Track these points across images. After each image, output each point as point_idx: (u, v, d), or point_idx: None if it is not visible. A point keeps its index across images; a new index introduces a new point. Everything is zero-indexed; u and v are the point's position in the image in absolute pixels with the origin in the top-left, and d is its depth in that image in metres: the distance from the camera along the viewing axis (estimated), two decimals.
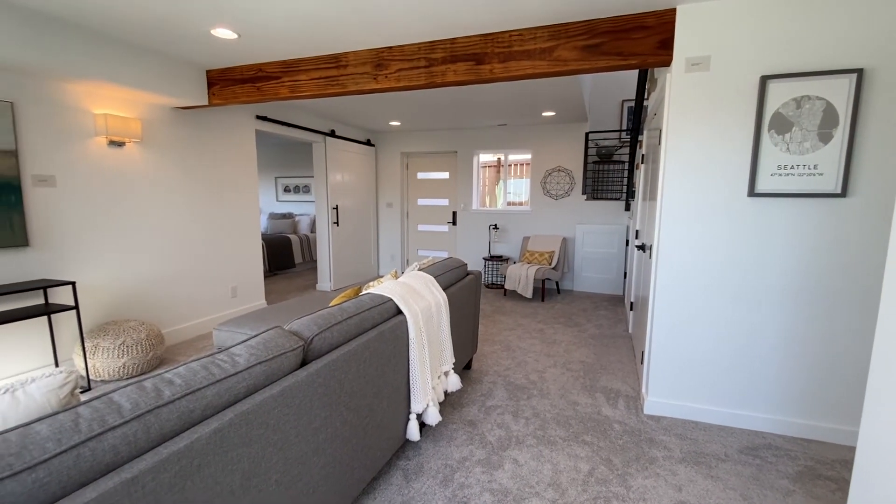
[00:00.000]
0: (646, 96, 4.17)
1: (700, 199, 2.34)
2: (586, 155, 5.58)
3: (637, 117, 4.34)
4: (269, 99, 3.35)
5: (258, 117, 4.53)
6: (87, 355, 2.89)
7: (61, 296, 2.96)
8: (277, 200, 8.76)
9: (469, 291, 2.88)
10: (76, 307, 2.75)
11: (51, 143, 2.88)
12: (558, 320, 4.49)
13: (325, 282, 5.87)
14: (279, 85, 3.27)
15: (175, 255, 3.77)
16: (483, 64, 2.69)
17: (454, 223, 6.61)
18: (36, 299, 2.83)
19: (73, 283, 2.74)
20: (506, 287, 5.40)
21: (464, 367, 3.18)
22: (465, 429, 2.37)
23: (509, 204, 6.60)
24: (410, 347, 1.99)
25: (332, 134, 5.68)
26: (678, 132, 2.34)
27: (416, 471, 2.01)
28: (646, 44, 2.37)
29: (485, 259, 6.05)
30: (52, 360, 2.95)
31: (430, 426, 2.36)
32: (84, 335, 2.90)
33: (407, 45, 2.86)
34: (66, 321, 3.02)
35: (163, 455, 0.92)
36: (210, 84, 3.52)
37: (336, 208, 5.81)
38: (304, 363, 1.44)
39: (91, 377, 2.93)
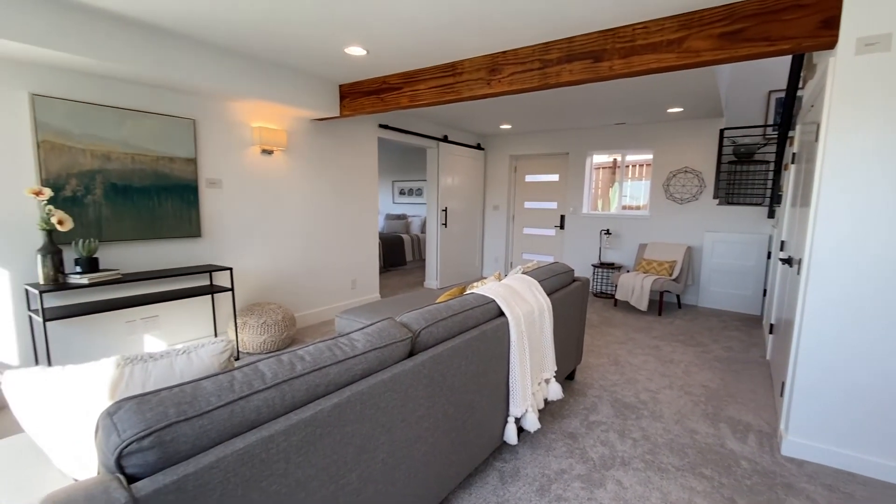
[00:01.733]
0: (800, 85, 3.58)
1: (868, 206, 1.93)
2: (720, 154, 4.97)
3: (788, 110, 3.74)
4: (391, 108, 3.62)
5: (380, 126, 4.92)
6: (238, 330, 3.44)
7: (221, 279, 3.57)
8: (393, 202, 9.41)
9: (575, 299, 2.77)
10: (232, 289, 3.30)
11: (219, 152, 3.50)
12: (677, 338, 4.08)
13: (431, 280, 6.14)
14: (400, 95, 3.51)
15: (307, 249, 4.29)
16: (601, 61, 2.57)
17: (562, 227, 6.40)
18: (203, 280, 3.45)
19: (231, 269, 3.28)
20: (617, 297, 5.06)
21: (566, 377, 3.07)
22: (565, 440, 2.29)
23: (624, 208, 6.17)
24: (511, 350, 1.99)
25: (445, 139, 5.91)
26: (843, 126, 1.96)
27: (513, 474, 2.00)
28: (801, 25, 2.03)
29: (594, 266, 5.75)
30: (213, 332, 3.58)
31: (529, 432, 2.33)
32: (236, 313, 3.46)
33: (521, 49, 2.87)
34: (224, 300, 3.63)
35: (293, 421, 1.07)
36: (342, 97, 3.93)
37: (445, 210, 6.04)
38: (411, 354, 1.54)
39: (240, 349, 3.47)
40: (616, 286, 5.10)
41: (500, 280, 2.45)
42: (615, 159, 6.25)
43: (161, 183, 3.13)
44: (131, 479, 0.85)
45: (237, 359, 3.36)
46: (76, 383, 1.07)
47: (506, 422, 2.05)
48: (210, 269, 3.21)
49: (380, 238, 7.25)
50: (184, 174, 3.25)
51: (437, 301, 2.09)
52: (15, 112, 2.50)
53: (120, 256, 2.99)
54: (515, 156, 6.76)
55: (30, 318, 2.62)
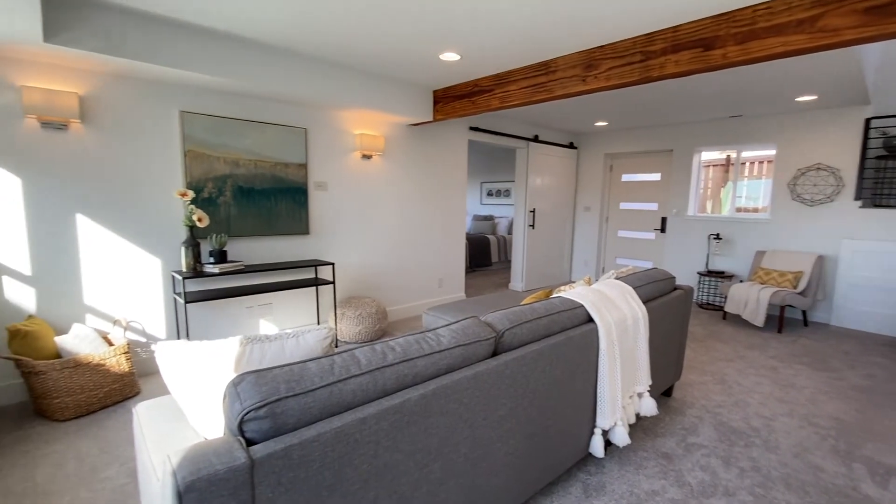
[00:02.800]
0: None
1: None
2: (865, 148, 4.22)
3: None
4: (482, 111, 3.66)
5: (471, 128, 5.00)
6: (337, 320, 3.74)
7: (325, 273, 3.91)
8: (481, 203, 9.48)
9: (675, 308, 2.56)
10: (333, 282, 3.60)
11: (326, 157, 3.83)
12: (800, 359, 3.55)
13: (517, 281, 6.08)
14: (491, 97, 3.54)
15: (398, 248, 4.51)
16: (713, 49, 2.34)
17: (662, 230, 5.92)
18: (309, 274, 3.81)
19: (333, 265, 3.58)
20: (726, 309, 4.56)
21: (662, 393, 2.84)
22: (658, 460, 2.13)
23: (738, 210, 5.52)
24: (600, 358, 1.90)
25: (535, 139, 5.81)
26: None
27: (598, 488, 1.92)
28: None
29: (700, 274, 5.23)
30: (316, 320, 3.93)
31: (617, 447, 2.20)
32: (336, 304, 3.77)
33: (620, 42, 2.72)
34: (326, 292, 3.98)
35: (384, 406, 1.15)
36: (435, 102, 4.07)
37: (533, 211, 5.94)
38: (494, 354, 1.55)
39: (338, 337, 3.77)
40: (726, 297, 4.59)
41: (589, 285, 2.36)
42: (728, 156, 5.62)
43: (277, 186, 3.52)
44: (249, 442, 0.98)
45: (336, 346, 3.66)
46: (210, 356, 1.26)
47: (592, 433, 1.97)
48: (315, 264, 3.53)
49: (466, 238, 7.36)
50: (296, 178, 3.62)
51: (522, 303, 2.08)
52: (169, 126, 3.01)
53: (243, 250, 3.43)
54: (611, 154, 6.41)
55: (174, 299, 3.13)
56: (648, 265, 6.23)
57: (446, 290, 5.10)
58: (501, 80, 3.45)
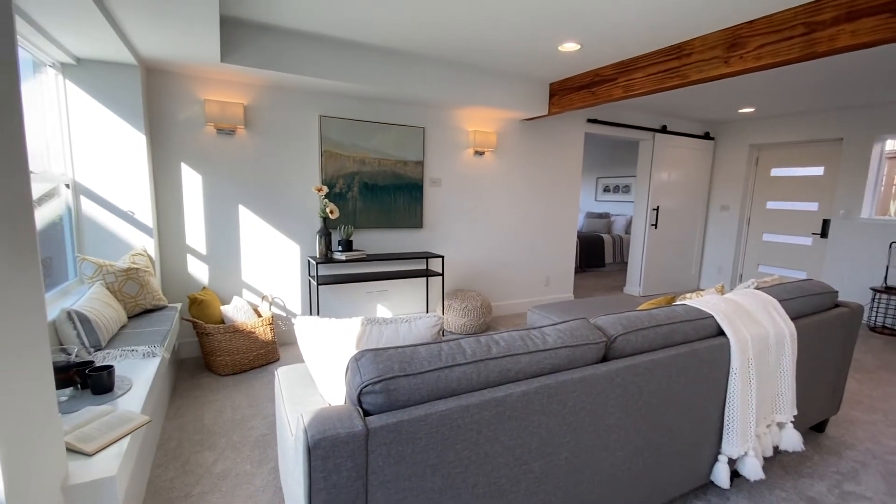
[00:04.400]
0: None
1: None
2: None
3: None
4: (602, 102, 3.46)
5: (589, 120, 4.76)
6: (444, 310, 3.89)
7: (434, 265, 4.09)
8: (596, 200, 8.98)
9: (835, 329, 2.14)
10: (442, 274, 3.75)
11: (440, 154, 3.99)
12: None
13: (633, 285, 5.64)
14: (613, 86, 3.33)
15: (506, 244, 4.52)
16: None
17: (823, 235, 4.97)
18: (421, 265, 4.02)
19: (443, 257, 3.74)
20: None
21: (811, 427, 2.41)
22: None
23: None
24: (731, 377, 1.68)
25: (663, 130, 5.30)
26: None
27: None
28: None
29: (875, 290, 4.27)
30: (425, 309, 4.15)
31: (747, 480, 1.93)
32: (444, 295, 3.93)
33: (776, 14, 2.34)
34: (434, 283, 4.16)
35: (486, 397, 1.17)
36: (551, 95, 3.96)
37: (657, 209, 5.44)
38: (604, 359, 1.48)
39: (446, 328, 3.93)
40: None
41: (722, 294, 2.09)
42: None
43: (397, 182, 3.78)
44: (366, 413, 1.09)
45: (443, 334, 3.82)
46: (336, 332, 1.42)
47: (716, 459, 1.76)
48: (427, 256, 3.72)
49: (578, 237, 7.04)
50: (413, 175, 3.85)
51: (638, 309, 1.93)
52: (310, 130, 3.42)
53: (366, 240, 3.76)
54: (758, 145, 5.55)
55: (309, 281, 3.57)
56: (801, 275, 5.28)
57: (553, 290, 4.96)
58: (625, 68, 3.22)
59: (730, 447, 1.72)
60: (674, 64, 2.88)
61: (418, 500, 1.11)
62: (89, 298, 2.14)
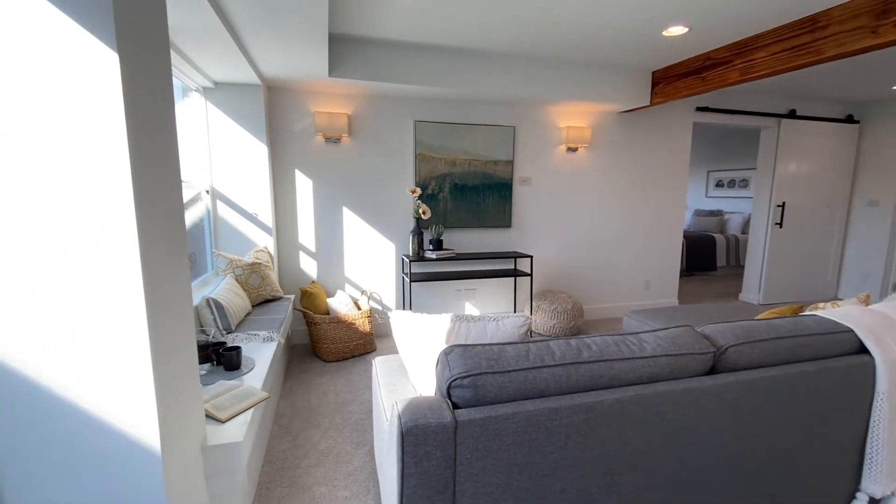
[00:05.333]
0: None
1: None
2: None
3: None
4: (713, 88, 3.14)
5: (698, 109, 4.33)
6: (533, 311, 3.83)
7: (523, 264, 4.05)
8: (706, 196, 8.12)
9: None
10: (531, 275, 3.70)
11: (530, 153, 3.94)
12: None
13: (751, 292, 5.00)
14: (728, 70, 3.00)
15: (601, 244, 4.30)
16: None
17: None
18: (509, 265, 4.00)
19: (531, 257, 3.68)
20: None
21: None
22: None
23: None
24: (876, 402, 1.43)
25: (791, 115, 4.62)
26: None
27: None
28: None
29: None
30: (513, 309, 4.12)
31: None
32: (532, 296, 3.87)
33: None
34: (523, 283, 4.11)
35: (576, 402, 1.14)
36: (653, 84, 3.69)
37: (782, 206, 4.76)
38: (711, 371, 1.35)
39: (533, 328, 3.87)
40: None
41: (867, 305, 1.78)
42: None
43: (486, 182, 3.81)
44: (454, 405, 1.13)
45: (531, 335, 3.77)
46: (428, 326, 1.49)
47: (853, 497, 1.51)
48: (515, 256, 3.70)
49: (684, 237, 6.43)
50: (503, 174, 3.85)
51: (757, 318, 1.73)
52: (405, 134, 3.60)
53: (455, 239, 3.85)
54: None
55: (403, 278, 3.76)
56: None
57: (654, 294, 4.60)
58: (743, 48, 2.87)
59: (872, 485, 1.46)
60: (805, 39, 2.50)
61: (504, 498, 1.12)
62: (223, 288, 2.50)
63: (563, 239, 4.17)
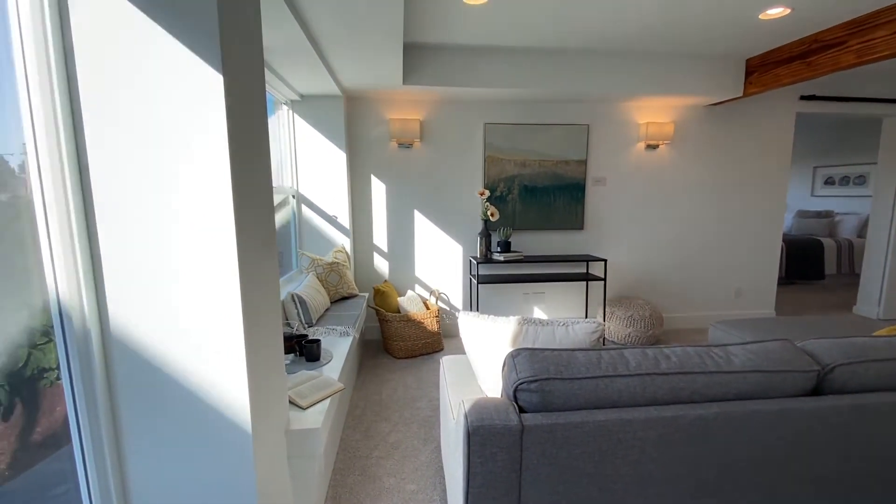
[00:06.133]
0: None
1: None
2: None
3: None
4: (822, 73, 2.79)
5: (803, 98, 3.86)
6: (606, 317, 3.66)
7: (595, 268, 3.88)
8: (812, 195, 7.21)
9: None
10: (604, 279, 3.54)
11: (605, 151, 3.77)
12: None
13: (868, 304, 4.35)
14: (841, 52, 2.65)
15: (683, 248, 3.99)
16: None
17: None
18: (580, 268, 3.86)
19: (605, 261, 3.52)
20: None
21: None
22: None
23: None
24: None
25: None
26: None
27: None
28: None
29: None
30: (584, 315, 3.97)
31: None
32: (606, 302, 3.69)
33: None
34: (595, 288, 3.94)
35: (652, 415, 1.08)
36: (748, 73, 3.36)
37: None
38: (814, 392, 1.20)
39: (606, 336, 3.70)
40: None
41: None
42: None
43: (556, 183, 3.72)
44: (521, 409, 1.12)
45: (603, 343, 3.60)
46: (494, 328, 1.49)
47: None
48: (588, 259, 3.56)
49: (784, 241, 5.76)
50: (575, 174, 3.73)
51: (874, 334, 1.51)
52: (475, 138, 3.63)
53: (524, 241, 3.80)
54: None
55: (470, 280, 3.79)
56: None
57: (746, 304, 4.18)
58: (859, 27, 2.52)
59: None
60: None
61: None
62: (306, 285, 2.69)
63: (640, 242, 3.94)
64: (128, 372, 1.03)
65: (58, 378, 1.47)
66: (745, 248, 4.08)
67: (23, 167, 1.32)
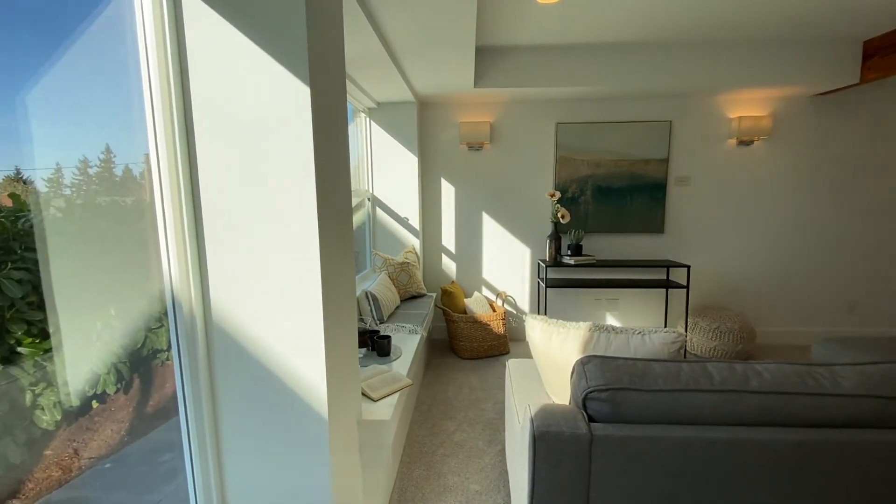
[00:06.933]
0: None
1: None
2: None
3: None
4: None
5: None
6: (688, 329, 3.40)
7: (677, 275, 3.61)
8: None
9: None
10: (687, 287, 3.28)
11: (691, 149, 3.50)
12: None
13: None
14: None
15: (783, 254, 3.59)
16: None
17: None
18: (659, 274, 3.61)
19: (688, 267, 3.27)
20: None
21: None
22: None
23: None
24: None
25: None
26: None
27: None
28: None
29: None
30: (662, 324, 3.71)
31: None
32: (688, 312, 3.42)
33: None
34: (676, 297, 3.67)
35: (740, 436, 0.99)
36: (865, 57, 2.94)
37: None
38: None
39: (687, 348, 3.43)
40: None
41: None
42: None
43: (634, 183, 3.53)
44: (590, 418, 1.08)
45: (685, 355, 3.35)
46: (563, 334, 1.45)
47: None
48: (668, 265, 3.34)
49: None
50: (655, 174, 3.51)
51: None
52: (546, 138, 3.56)
53: (596, 245, 3.65)
54: None
55: (538, 283, 3.71)
56: None
57: (861, 320, 3.65)
58: None
59: None
60: None
61: None
62: (378, 284, 2.82)
63: (729, 247, 3.61)
64: (224, 354, 1.15)
65: (167, 358, 1.69)
66: (861, 256, 3.57)
67: (143, 175, 1.53)
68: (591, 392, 1.08)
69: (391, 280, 3.10)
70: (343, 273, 1.32)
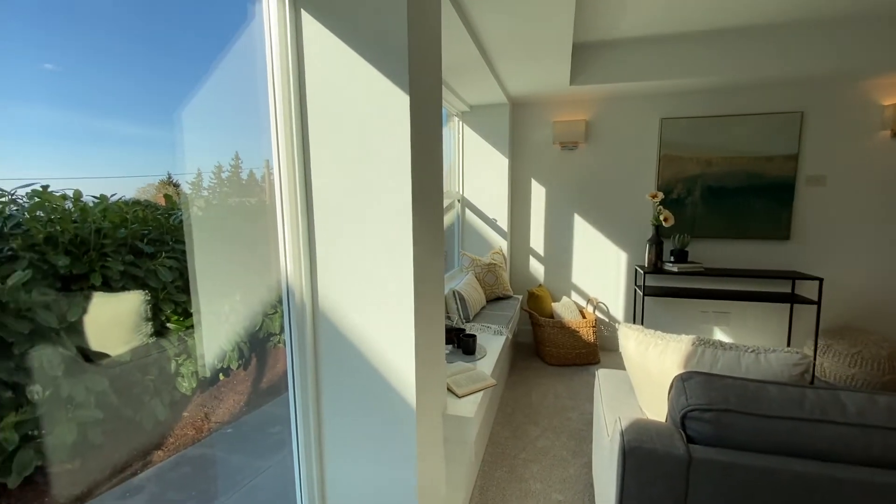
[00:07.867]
0: None
1: None
2: None
3: None
4: None
5: None
6: (818, 351, 2.93)
7: (805, 289, 3.12)
8: None
9: None
10: (818, 303, 2.83)
11: (826, 144, 3.02)
12: None
13: None
14: None
15: None
16: None
17: None
18: (783, 287, 3.16)
19: (821, 280, 2.82)
20: None
21: None
22: None
23: None
24: None
25: None
26: None
27: None
28: None
29: None
30: (785, 344, 3.24)
31: None
32: (818, 332, 2.94)
33: None
34: (804, 313, 3.18)
35: (878, 480, 0.84)
36: None
37: None
38: None
39: (816, 373, 2.96)
40: None
41: None
42: None
43: (752, 183, 3.14)
44: (689, 439, 1.00)
45: (812, 381, 2.89)
46: (662, 346, 1.35)
47: None
48: (794, 276, 2.91)
49: None
50: (780, 172, 3.09)
51: None
52: (649, 135, 3.32)
53: (705, 251, 3.31)
54: None
55: (634, 290, 3.48)
56: None
57: None
58: None
59: None
60: None
61: None
62: (465, 283, 2.87)
63: (875, 259, 3.04)
64: (327, 340, 1.27)
65: (279, 341, 1.90)
66: None
67: (263, 178, 1.74)
68: (691, 410, 1.00)
69: (478, 280, 3.14)
70: (433, 271, 1.38)
